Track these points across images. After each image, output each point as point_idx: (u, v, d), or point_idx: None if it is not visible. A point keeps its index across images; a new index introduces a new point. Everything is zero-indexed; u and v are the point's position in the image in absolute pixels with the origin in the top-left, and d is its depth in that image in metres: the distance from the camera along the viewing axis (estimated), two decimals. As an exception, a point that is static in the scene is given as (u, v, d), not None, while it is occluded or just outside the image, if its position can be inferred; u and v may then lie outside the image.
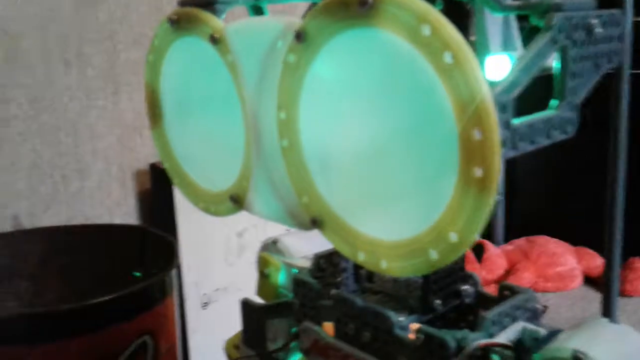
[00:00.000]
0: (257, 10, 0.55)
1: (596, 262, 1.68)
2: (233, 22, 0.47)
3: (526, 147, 0.39)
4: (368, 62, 0.38)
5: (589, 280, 1.68)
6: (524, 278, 1.62)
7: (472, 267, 1.58)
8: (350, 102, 0.40)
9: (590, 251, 1.70)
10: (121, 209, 1.16)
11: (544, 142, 0.41)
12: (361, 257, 0.41)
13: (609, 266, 1.24)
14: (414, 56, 0.35)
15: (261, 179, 0.47)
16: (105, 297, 0.75)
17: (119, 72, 1.15)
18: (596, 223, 1.36)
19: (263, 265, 0.61)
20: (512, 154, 0.38)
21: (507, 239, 1.77)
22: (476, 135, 0.34)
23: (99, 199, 1.14)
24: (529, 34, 0.51)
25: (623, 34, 0.45)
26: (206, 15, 0.49)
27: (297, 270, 0.59)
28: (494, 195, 0.35)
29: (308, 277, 0.56)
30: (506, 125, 0.37)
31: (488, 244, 1.64)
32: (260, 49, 0.44)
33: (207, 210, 0.52)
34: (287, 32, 0.42)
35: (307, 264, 0.60)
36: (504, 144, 0.37)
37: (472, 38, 0.53)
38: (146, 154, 1.20)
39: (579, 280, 1.67)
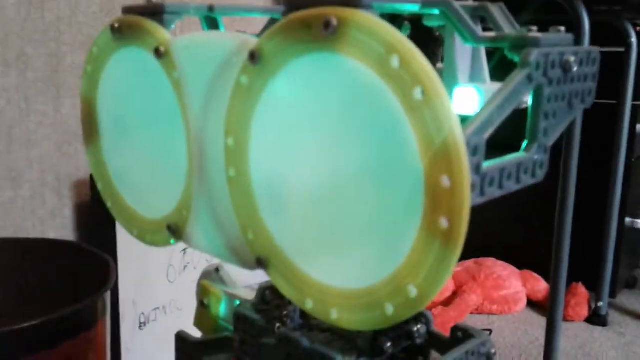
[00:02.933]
0: (211, 23, 0.50)
1: (540, 285, 1.69)
2: (182, 36, 0.42)
3: (495, 193, 0.36)
4: (328, 90, 0.34)
5: (532, 304, 1.69)
6: (471, 300, 1.61)
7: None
8: (306, 133, 0.36)
9: (535, 275, 1.72)
10: (56, 221, 1.09)
11: (513, 187, 0.38)
12: (309, 305, 0.37)
13: (554, 293, 1.24)
14: (380, 89, 0.31)
15: (203, 209, 0.42)
16: (24, 324, 0.67)
17: (63, 75, 1.08)
18: (541, 247, 1.37)
19: (203, 294, 0.57)
20: (479, 200, 0.35)
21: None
22: (445, 182, 0.30)
23: (31, 210, 1.06)
24: (497, 67, 0.48)
25: (597, 73, 0.42)
26: (152, 26, 0.44)
27: (239, 302, 0.55)
28: (460, 248, 0.31)
29: (250, 312, 0.52)
30: (477, 169, 0.33)
31: (437, 264, 1.63)
32: (210, 68, 0.40)
33: (142, 238, 0.47)
34: (240, 51, 0.38)
35: (251, 294, 0.55)
36: (472, 189, 0.33)
37: (439, 66, 0.50)
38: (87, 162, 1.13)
39: (523, 303, 1.68)
